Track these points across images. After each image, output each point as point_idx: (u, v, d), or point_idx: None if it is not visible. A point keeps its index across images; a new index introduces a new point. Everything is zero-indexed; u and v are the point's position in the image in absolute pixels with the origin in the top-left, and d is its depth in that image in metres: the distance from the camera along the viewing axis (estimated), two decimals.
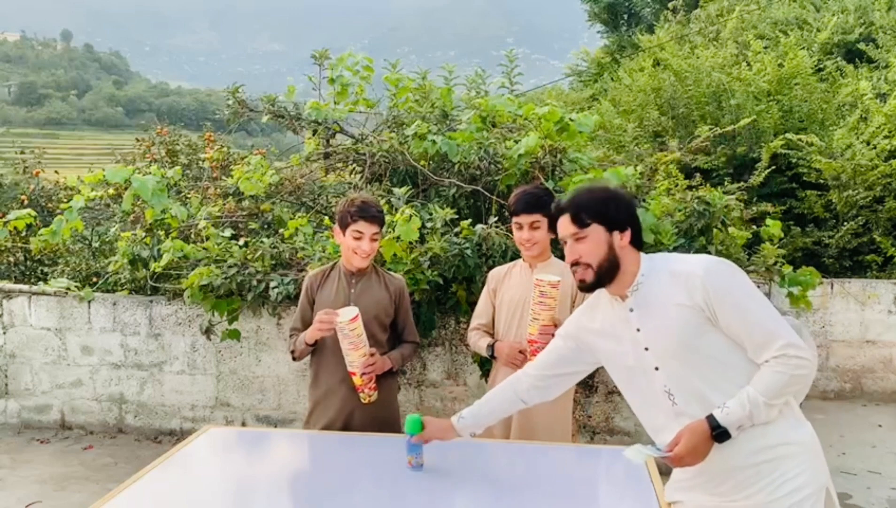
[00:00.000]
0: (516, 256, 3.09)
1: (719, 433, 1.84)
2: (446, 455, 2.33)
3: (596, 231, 1.97)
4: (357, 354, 2.76)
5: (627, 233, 1.98)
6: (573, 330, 2.19)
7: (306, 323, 2.96)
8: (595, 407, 4.53)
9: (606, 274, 1.97)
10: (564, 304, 2.87)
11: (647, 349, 1.96)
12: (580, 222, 1.98)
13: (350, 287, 2.96)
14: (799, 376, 1.82)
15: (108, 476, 4.36)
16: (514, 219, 2.90)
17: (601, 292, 2.08)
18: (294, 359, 3.08)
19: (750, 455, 1.87)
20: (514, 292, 2.95)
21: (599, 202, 1.98)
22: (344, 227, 2.90)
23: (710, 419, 1.85)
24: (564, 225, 2.01)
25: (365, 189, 4.78)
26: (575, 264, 2.00)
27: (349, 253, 2.92)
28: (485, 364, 4.13)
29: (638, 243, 2.01)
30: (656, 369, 1.95)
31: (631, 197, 2.06)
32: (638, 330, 1.97)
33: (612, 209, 1.98)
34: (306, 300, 3.03)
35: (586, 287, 2.02)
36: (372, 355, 2.81)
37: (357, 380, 2.81)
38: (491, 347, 2.95)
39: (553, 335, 2.66)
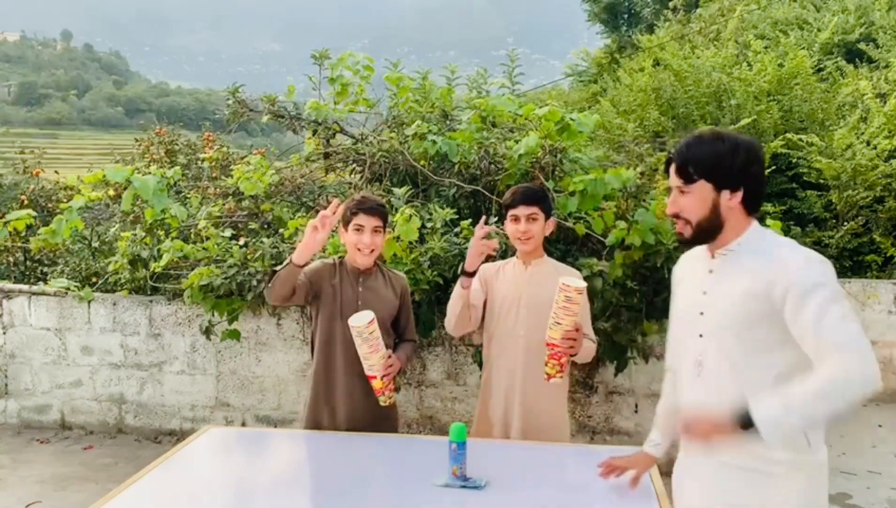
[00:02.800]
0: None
1: (746, 420, 1.73)
2: (445, 455, 2.33)
3: (702, 188, 1.84)
4: (377, 356, 2.72)
5: (739, 194, 1.83)
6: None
7: (307, 275, 2.84)
8: (595, 407, 4.53)
9: (706, 233, 1.88)
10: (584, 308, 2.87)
11: (701, 313, 1.92)
12: (686, 177, 1.85)
13: (357, 285, 2.95)
14: (846, 397, 1.70)
15: (108, 476, 4.36)
16: (511, 212, 2.88)
17: None
18: (275, 288, 2.79)
19: (748, 458, 1.83)
20: (507, 289, 2.93)
21: (712, 157, 1.83)
22: (346, 224, 2.90)
23: (744, 408, 1.74)
24: (672, 174, 1.90)
25: (365, 189, 4.78)
26: (675, 215, 1.91)
27: (353, 250, 2.91)
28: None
29: (753, 206, 1.87)
30: (700, 335, 1.92)
31: (756, 152, 1.85)
32: (704, 293, 1.92)
33: (724, 166, 1.82)
34: (312, 271, 2.91)
35: (683, 242, 1.94)
36: (389, 356, 2.78)
37: (378, 384, 2.77)
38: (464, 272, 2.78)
39: (575, 340, 2.64)
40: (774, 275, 1.78)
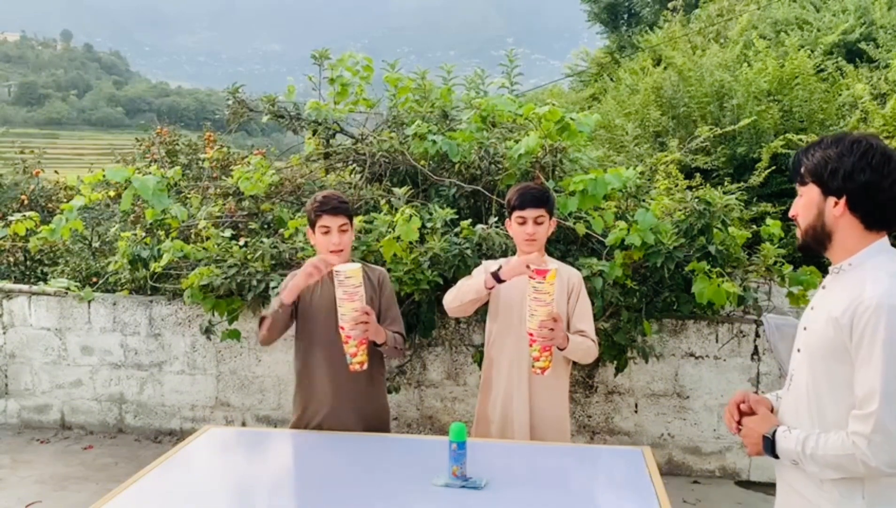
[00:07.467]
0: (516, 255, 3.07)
1: (768, 444, 1.81)
2: (445, 455, 2.33)
3: (810, 191, 1.77)
4: (350, 306, 2.63)
5: (842, 203, 1.71)
6: None
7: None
8: (595, 407, 4.53)
9: (812, 240, 1.80)
10: (560, 297, 2.84)
11: (804, 328, 1.85)
12: (800, 178, 1.79)
13: (333, 285, 2.91)
14: (864, 465, 1.62)
15: (108, 476, 4.36)
16: (518, 213, 2.84)
17: None
18: (263, 333, 2.85)
19: (806, 488, 1.79)
20: (509, 288, 2.89)
21: (819, 160, 1.74)
22: (313, 226, 2.88)
23: (773, 430, 1.81)
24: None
25: (365, 189, 4.78)
26: (794, 218, 1.85)
27: (324, 252, 2.88)
28: None
29: (872, 221, 1.72)
30: (798, 350, 1.86)
31: (874, 160, 1.69)
32: (812, 308, 1.84)
33: (829, 171, 1.71)
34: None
35: (798, 247, 1.87)
36: (367, 313, 2.68)
37: (348, 346, 2.69)
38: (495, 274, 2.81)
39: (552, 330, 2.62)
40: (849, 303, 1.66)
